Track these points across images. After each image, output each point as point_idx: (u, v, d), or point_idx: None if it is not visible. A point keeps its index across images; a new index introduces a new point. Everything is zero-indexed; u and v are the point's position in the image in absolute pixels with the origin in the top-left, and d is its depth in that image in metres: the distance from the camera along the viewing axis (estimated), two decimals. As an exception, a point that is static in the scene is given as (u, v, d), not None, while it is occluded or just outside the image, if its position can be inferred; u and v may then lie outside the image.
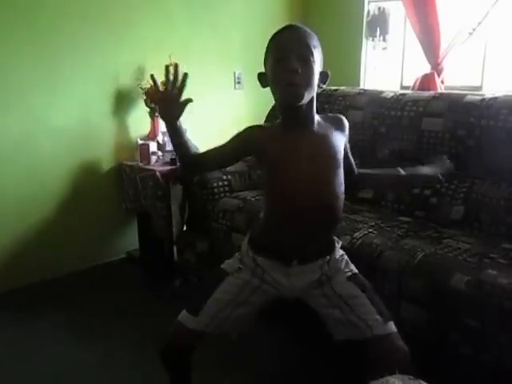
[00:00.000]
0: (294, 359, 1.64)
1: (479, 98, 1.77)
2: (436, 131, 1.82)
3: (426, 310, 1.35)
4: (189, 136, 1.16)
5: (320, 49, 1.10)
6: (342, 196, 1.14)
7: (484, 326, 1.23)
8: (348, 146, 1.22)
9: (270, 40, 1.11)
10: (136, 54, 2.30)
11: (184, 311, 1.13)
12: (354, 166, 1.28)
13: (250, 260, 1.16)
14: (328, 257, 1.15)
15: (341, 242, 1.22)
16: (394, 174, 1.30)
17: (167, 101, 1.10)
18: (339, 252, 1.19)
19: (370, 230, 1.59)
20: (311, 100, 1.09)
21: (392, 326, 1.07)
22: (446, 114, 1.80)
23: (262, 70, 1.13)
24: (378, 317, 1.07)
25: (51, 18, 2.04)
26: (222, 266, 1.19)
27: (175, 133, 1.14)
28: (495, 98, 1.73)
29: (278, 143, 1.11)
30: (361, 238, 1.53)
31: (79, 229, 2.27)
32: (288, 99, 1.07)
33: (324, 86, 1.13)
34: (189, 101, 1.10)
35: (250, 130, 1.15)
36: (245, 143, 1.15)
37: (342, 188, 1.14)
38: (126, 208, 2.37)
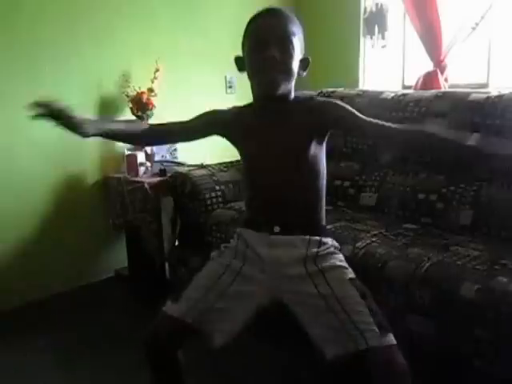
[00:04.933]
0: (286, 378, 1.66)
1: (484, 96, 1.81)
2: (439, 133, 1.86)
3: (435, 321, 1.37)
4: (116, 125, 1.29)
5: (301, 35, 1.14)
6: (314, 181, 1.20)
7: (497, 336, 1.27)
8: (356, 115, 1.18)
9: (248, 23, 1.16)
10: (120, 59, 2.33)
11: (168, 300, 1.18)
12: (387, 127, 1.15)
13: (235, 236, 1.24)
14: (316, 238, 1.18)
15: (337, 244, 1.26)
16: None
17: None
18: (331, 245, 1.22)
19: (374, 239, 1.62)
20: (289, 88, 1.14)
21: (391, 339, 1.05)
22: (450, 113, 1.85)
23: None
24: (375, 327, 1.05)
25: (29, 24, 2.08)
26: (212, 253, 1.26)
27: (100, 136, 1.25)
28: (501, 96, 1.78)
29: (248, 127, 1.19)
30: (364, 247, 1.56)
31: (63, 247, 2.29)
32: (265, 88, 1.12)
33: (304, 74, 1.18)
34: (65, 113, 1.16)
35: (218, 111, 1.25)
36: (208, 122, 1.25)
37: (314, 173, 1.19)
38: (113, 223, 2.39)
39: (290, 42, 1.09)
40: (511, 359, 1.24)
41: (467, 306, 1.31)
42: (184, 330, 1.15)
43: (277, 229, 1.17)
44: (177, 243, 2.20)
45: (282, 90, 1.12)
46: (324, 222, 1.27)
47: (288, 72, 1.10)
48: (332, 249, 1.22)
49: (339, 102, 1.22)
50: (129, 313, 2.14)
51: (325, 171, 1.24)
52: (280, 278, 1.17)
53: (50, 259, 2.25)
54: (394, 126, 1.16)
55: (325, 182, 1.25)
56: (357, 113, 1.19)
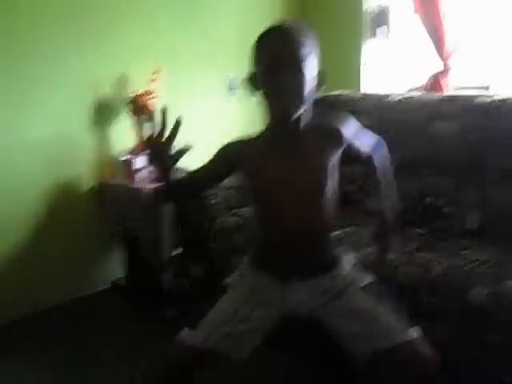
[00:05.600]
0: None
1: (489, 99, 1.83)
2: (447, 136, 1.86)
3: (446, 327, 1.38)
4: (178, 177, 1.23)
5: (315, 51, 1.10)
6: (330, 216, 1.18)
7: (509, 341, 1.27)
8: (355, 144, 1.20)
9: (258, 43, 1.11)
10: (118, 60, 2.29)
11: (185, 328, 1.16)
12: (373, 168, 1.27)
13: (250, 274, 1.21)
14: (333, 272, 1.18)
15: (351, 255, 1.25)
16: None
17: (156, 150, 1.14)
18: (347, 266, 1.22)
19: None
20: (305, 111, 1.12)
21: (413, 333, 1.08)
22: (458, 117, 1.85)
23: None
24: (395, 325, 1.09)
25: (27, 24, 2.04)
26: (225, 280, 1.24)
27: (165, 182, 1.19)
28: (507, 100, 1.79)
29: (261, 161, 1.16)
30: (372, 253, 1.56)
31: (58, 257, 2.22)
32: (278, 113, 1.11)
33: (322, 88, 1.15)
34: (183, 152, 1.14)
35: (231, 145, 1.21)
36: (226, 161, 1.21)
37: (330, 208, 1.17)
38: (111, 231, 2.34)
39: (301, 68, 1.06)
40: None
41: (478, 310, 1.31)
42: (203, 357, 1.14)
43: (292, 278, 1.16)
44: (177, 252, 2.17)
45: (296, 114, 1.10)
46: (336, 246, 1.25)
47: (301, 100, 1.08)
48: (346, 270, 1.21)
49: (350, 126, 1.20)
50: (127, 324, 2.10)
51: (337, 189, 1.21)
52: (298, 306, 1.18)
53: (44, 270, 2.18)
54: (375, 174, 1.26)
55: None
56: (360, 142, 1.22)
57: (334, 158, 1.17)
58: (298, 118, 1.11)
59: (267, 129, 1.19)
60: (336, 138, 1.16)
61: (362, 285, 1.18)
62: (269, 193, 1.16)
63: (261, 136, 1.20)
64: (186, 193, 1.30)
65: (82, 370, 1.78)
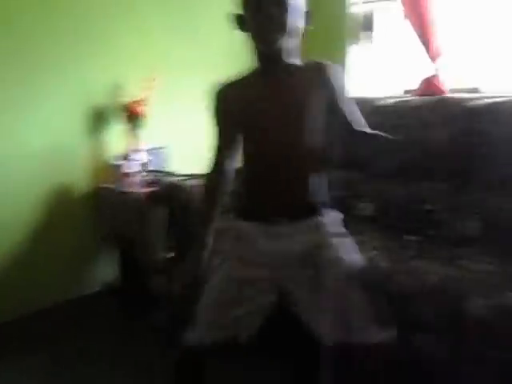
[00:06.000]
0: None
1: (484, 102, 1.79)
2: (441, 140, 1.83)
3: (443, 340, 1.34)
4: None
5: None
6: (317, 156, 1.17)
7: (508, 357, 1.22)
8: (340, 97, 1.19)
9: None
10: (112, 68, 2.33)
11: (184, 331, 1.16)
12: (353, 124, 1.22)
13: (235, 224, 1.21)
14: (318, 218, 1.18)
15: (340, 215, 1.24)
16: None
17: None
18: (333, 218, 1.21)
19: (376, 252, 1.58)
20: (291, 47, 1.13)
21: (381, 336, 1.09)
22: (452, 121, 1.81)
23: None
24: (372, 325, 1.09)
25: (27, 32, 2.07)
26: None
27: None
28: (503, 103, 1.75)
29: (249, 97, 1.17)
30: (366, 260, 1.52)
31: (51, 260, 2.24)
32: (263, 46, 1.13)
33: (308, 27, 1.16)
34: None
35: (219, 95, 1.24)
36: (229, 117, 1.22)
37: (316, 148, 1.16)
38: (104, 235, 2.35)
39: (286, 2, 1.09)
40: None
41: (476, 322, 1.27)
42: (208, 351, 1.15)
43: (276, 219, 1.15)
44: (170, 255, 2.16)
45: (282, 47, 1.12)
46: (327, 197, 1.23)
47: (285, 28, 1.10)
48: (333, 228, 1.19)
49: (337, 74, 1.19)
50: (119, 327, 2.10)
51: (328, 139, 1.19)
52: (284, 268, 1.16)
53: (37, 273, 2.20)
54: (354, 126, 1.21)
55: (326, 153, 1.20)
56: (343, 94, 1.19)
57: (321, 96, 1.16)
58: (285, 53, 1.13)
59: (255, 66, 1.20)
60: (323, 74, 1.17)
61: (355, 275, 1.15)
62: (256, 127, 1.17)
63: (249, 77, 1.22)
64: (228, 178, 1.28)
65: (74, 372, 1.78)
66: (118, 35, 2.34)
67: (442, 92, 2.14)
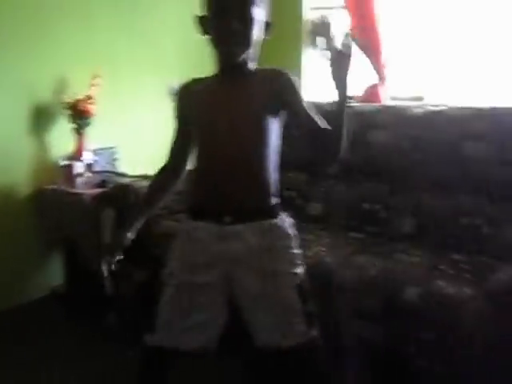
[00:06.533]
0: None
1: (423, 110, 1.95)
2: (382, 144, 1.97)
3: (382, 326, 1.45)
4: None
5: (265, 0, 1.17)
6: (267, 152, 1.19)
7: (437, 337, 1.35)
8: (299, 99, 1.20)
9: None
10: (55, 62, 2.23)
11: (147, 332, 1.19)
12: (319, 123, 1.19)
13: (187, 224, 1.24)
14: (270, 221, 1.19)
15: (290, 220, 1.25)
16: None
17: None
18: (285, 222, 1.22)
19: (322, 249, 1.68)
20: (250, 54, 1.17)
21: (313, 335, 1.14)
22: (392, 126, 1.96)
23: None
24: (304, 328, 1.13)
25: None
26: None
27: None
28: (439, 112, 1.92)
29: (206, 98, 1.22)
30: (311, 257, 1.61)
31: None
32: (224, 57, 1.17)
33: (266, 37, 1.20)
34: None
35: (181, 91, 1.27)
36: (185, 114, 1.25)
37: (268, 151, 1.18)
38: (49, 238, 2.28)
39: (251, 12, 1.12)
40: (452, 359, 1.34)
41: (411, 309, 1.40)
42: (170, 354, 1.18)
43: (228, 219, 1.17)
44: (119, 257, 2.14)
45: (241, 59, 1.16)
46: (278, 200, 1.24)
47: (248, 42, 1.14)
48: (286, 231, 1.22)
49: (293, 80, 1.20)
50: (68, 332, 2.05)
51: (279, 147, 1.22)
52: (231, 269, 1.18)
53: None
54: (319, 122, 1.19)
55: (278, 158, 1.23)
56: (302, 97, 1.21)
57: (276, 100, 1.18)
58: (245, 62, 1.17)
59: (215, 70, 1.23)
60: (276, 81, 1.19)
61: (297, 283, 1.18)
62: (208, 127, 1.20)
63: (209, 78, 1.25)
64: (178, 173, 1.32)
65: (20, 379, 1.73)
66: (64, 27, 2.24)
67: (384, 100, 2.28)
